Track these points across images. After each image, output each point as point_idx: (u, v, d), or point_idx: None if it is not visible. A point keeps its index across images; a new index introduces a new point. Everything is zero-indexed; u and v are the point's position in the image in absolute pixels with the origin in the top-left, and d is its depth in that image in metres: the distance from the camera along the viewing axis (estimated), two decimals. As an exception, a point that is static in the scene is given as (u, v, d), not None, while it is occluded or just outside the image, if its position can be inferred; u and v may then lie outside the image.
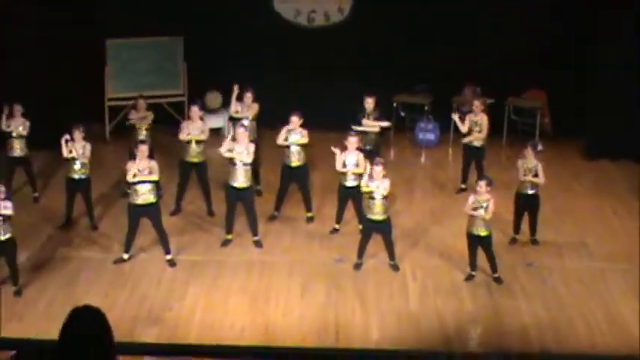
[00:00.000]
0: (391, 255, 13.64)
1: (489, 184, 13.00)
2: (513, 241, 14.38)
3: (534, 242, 14.38)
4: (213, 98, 18.76)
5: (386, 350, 10.42)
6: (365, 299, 12.86)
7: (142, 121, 15.50)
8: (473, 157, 15.87)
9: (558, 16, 17.96)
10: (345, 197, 14.44)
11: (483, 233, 13.03)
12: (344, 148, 14.11)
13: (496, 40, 18.16)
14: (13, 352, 4.80)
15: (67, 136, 14.22)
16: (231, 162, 13.90)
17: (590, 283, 13.26)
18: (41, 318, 12.10)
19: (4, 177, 14.93)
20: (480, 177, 13.76)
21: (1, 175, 15.00)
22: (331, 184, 15.14)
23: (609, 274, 13.48)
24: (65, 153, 14.26)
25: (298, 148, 14.71)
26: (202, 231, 14.87)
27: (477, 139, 15.66)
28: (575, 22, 17.86)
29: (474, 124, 15.61)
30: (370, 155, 14.48)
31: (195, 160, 15.01)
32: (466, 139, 15.76)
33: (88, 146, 14.38)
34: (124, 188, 14.70)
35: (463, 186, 16.02)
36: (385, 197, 13.28)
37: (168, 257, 13.74)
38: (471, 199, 13.01)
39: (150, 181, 13.37)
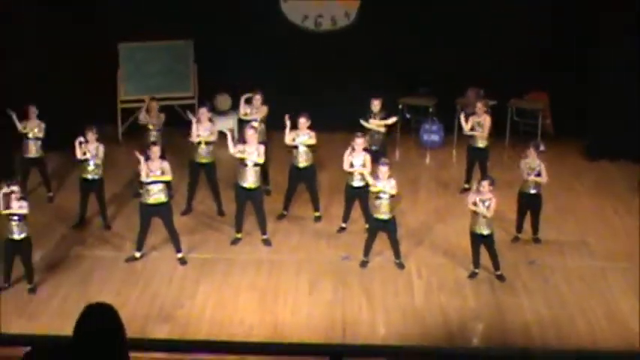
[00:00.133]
0: (397, 253, 13.80)
1: (492, 183, 13.17)
2: (516, 239, 14.51)
3: (536, 241, 14.52)
4: (223, 100, 18.85)
5: (392, 346, 10.57)
6: (371, 296, 13.00)
7: (153, 120, 15.66)
8: (477, 157, 15.97)
9: (560, 18, 17.97)
10: (352, 197, 14.59)
11: (486, 232, 13.18)
12: (352, 149, 14.33)
13: (498, 42, 18.22)
14: (28, 349, 4.71)
15: (81, 138, 14.42)
16: (241, 162, 14.09)
17: (591, 281, 13.38)
18: (55, 315, 12.21)
19: (20, 177, 15.14)
20: (484, 177, 13.90)
21: (17, 176, 15.22)
22: (338, 184, 15.27)
23: (610, 273, 13.59)
24: (79, 154, 14.41)
25: (306, 149, 14.83)
26: (212, 230, 14.99)
27: (479, 138, 15.81)
28: (576, 23, 17.87)
29: (477, 125, 15.72)
30: (377, 155, 14.66)
31: (204, 160, 15.14)
32: (469, 133, 15.89)
33: (102, 147, 14.51)
34: (137, 188, 14.87)
35: (467, 186, 16.06)
36: (392, 197, 13.49)
37: (179, 256, 13.88)
38: (473, 196, 13.22)
39: (162, 181, 13.58)
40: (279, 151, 15.88)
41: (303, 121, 14.73)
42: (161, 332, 11.90)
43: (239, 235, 14.53)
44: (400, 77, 18.49)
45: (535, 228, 14.52)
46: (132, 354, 4.69)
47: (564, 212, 15.62)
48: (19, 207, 12.58)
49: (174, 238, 13.88)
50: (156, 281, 13.37)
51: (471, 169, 16.05)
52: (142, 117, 15.80)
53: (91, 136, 14.43)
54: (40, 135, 15.28)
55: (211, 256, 14.15)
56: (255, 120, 15.40)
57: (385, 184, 13.37)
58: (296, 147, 14.87)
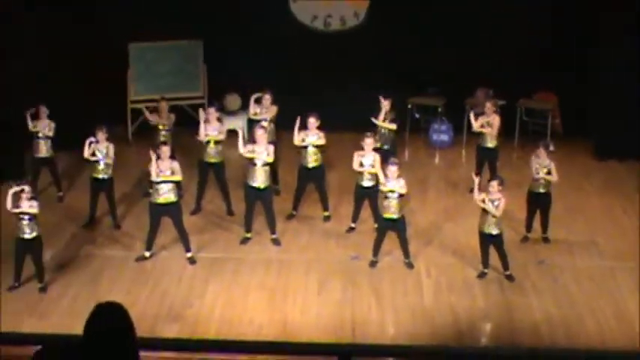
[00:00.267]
0: (406, 253, 13.83)
1: (501, 183, 13.20)
2: (525, 239, 14.53)
3: (546, 240, 14.53)
4: (233, 100, 18.89)
5: (401, 345, 10.59)
6: (380, 296, 13.03)
7: (163, 120, 15.70)
8: (486, 157, 15.96)
9: (567, 19, 18.02)
10: (361, 197, 14.61)
11: (495, 232, 13.20)
12: (361, 149, 14.36)
13: (508, 42, 18.20)
14: (39, 348, 4.70)
15: (92, 138, 14.48)
16: (251, 162, 14.13)
17: (600, 281, 13.38)
18: (65, 314, 12.27)
19: (30, 177, 15.22)
20: (493, 177, 13.91)
21: (27, 176, 15.30)
22: (347, 184, 15.30)
23: (619, 272, 13.59)
24: (86, 154, 14.46)
25: (315, 149, 14.86)
26: (222, 229, 15.03)
27: (488, 137, 15.80)
28: (582, 24, 17.91)
29: (486, 124, 15.72)
30: (387, 154, 14.69)
31: (213, 160, 15.17)
32: (478, 131, 15.90)
33: (112, 147, 14.56)
34: (146, 188, 14.92)
35: (477, 179, 16.10)
36: (401, 196, 13.51)
37: (189, 255, 13.93)
38: (481, 195, 13.23)
39: (172, 181, 13.62)
40: (288, 151, 15.91)
41: (312, 121, 14.75)
42: (170, 331, 11.95)
43: (248, 235, 14.57)
44: (409, 77, 18.49)
45: (544, 227, 14.53)
46: (141, 353, 4.68)
47: (573, 212, 15.62)
48: (29, 206, 12.65)
49: (183, 238, 13.92)
50: (165, 280, 13.42)
51: (480, 169, 16.03)
52: (152, 118, 15.82)
53: (101, 135, 14.49)
54: (50, 134, 15.36)
55: (221, 255, 14.19)
56: (265, 120, 15.44)
57: (394, 184, 13.40)
58: (305, 147, 14.89)
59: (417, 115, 19.22)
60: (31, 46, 16.78)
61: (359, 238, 14.66)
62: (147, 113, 15.92)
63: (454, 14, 18.19)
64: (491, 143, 15.86)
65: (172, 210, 13.75)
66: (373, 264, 13.87)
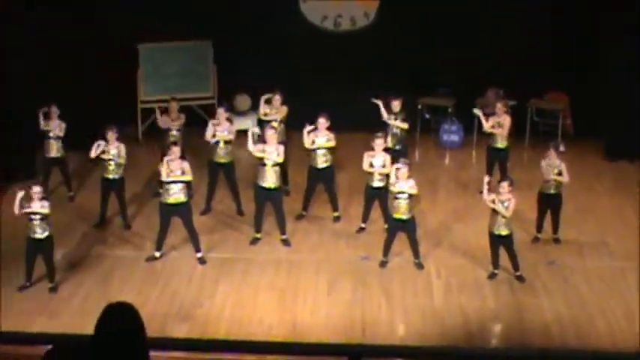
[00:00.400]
0: (416, 253, 13.82)
1: (511, 184, 13.19)
2: (536, 239, 14.52)
3: (556, 241, 14.51)
4: (242, 101, 18.91)
5: (411, 346, 10.59)
6: (390, 296, 13.02)
7: (172, 123, 15.72)
8: (496, 158, 15.92)
9: (579, 18, 17.99)
10: (371, 197, 14.59)
11: (504, 232, 13.19)
12: (371, 149, 14.36)
13: (519, 42, 18.16)
14: (49, 347, 4.73)
15: (102, 142, 14.50)
16: (261, 162, 14.15)
17: (610, 282, 13.36)
18: (76, 314, 12.30)
19: (41, 177, 15.27)
20: (503, 178, 13.90)
21: (39, 176, 15.34)
22: (357, 184, 15.30)
23: (629, 273, 13.54)
24: (93, 154, 14.51)
25: (325, 150, 14.86)
26: (232, 230, 15.04)
27: (499, 138, 15.78)
28: (594, 24, 17.85)
29: (497, 125, 15.71)
30: (397, 155, 14.69)
31: (223, 160, 15.20)
32: (489, 131, 15.88)
33: (123, 147, 14.60)
34: (156, 188, 14.93)
35: (488, 178, 16.07)
36: (411, 197, 13.51)
37: (199, 255, 13.94)
38: (491, 196, 13.22)
39: (182, 181, 13.65)
40: (298, 152, 15.90)
41: (322, 122, 14.74)
42: (180, 331, 11.98)
43: (258, 235, 14.58)
44: (419, 77, 18.48)
45: (555, 228, 14.51)
46: (152, 353, 4.70)
47: (584, 212, 15.59)
48: (40, 207, 12.69)
49: (193, 238, 13.94)
50: (175, 280, 13.44)
51: (490, 169, 16.01)
52: (161, 122, 15.82)
53: (112, 135, 14.52)
54: (61, 134, 15.40)
55: (230, 255, 14.21)
56: (275, 120, 15.45)
57: (404, 185, 13.39)
58: (315, 148, 14.88)
59: (428, 116, 19.21)
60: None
61: (369, 239, 14.66)
62: (158, 116, 15.91)
63: (464, 14, 18.17)
64: (501, 144, 15.83)
65: (182, 210, 13.77)
66: (383, 264, 13.86)
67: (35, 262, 12.99)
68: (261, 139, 14.57)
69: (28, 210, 12.64)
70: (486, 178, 13.71)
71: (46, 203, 12.76)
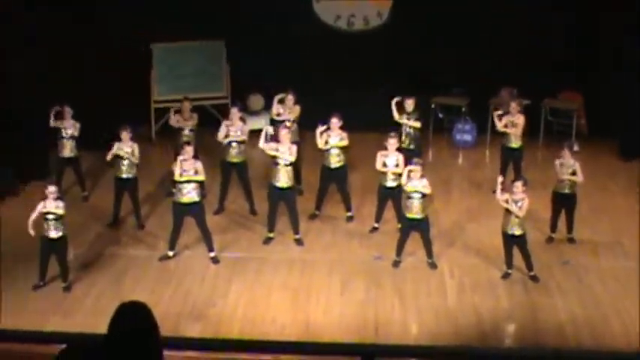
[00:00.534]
0: (429, 253, 13.81)
1: (525, 184, 13.16)
2: (550, 239, 14.48)
3: (571, 241, 14.48)
4: (256, 100, 18.94)
5: (424, 346, 10.56)
6: (403, 296, 13.01)
7: (185, 123, 15.74)
8: (510, 157, 15.90)
9: (594, 18, 17.93)
10: (384, 197, 14.59)
11: (518, 232, 13.15)
12: (384, 149, 14.35)
13: (533, 42, 18.16)
14: (63, 346, 4.71)
15: (117, 143, 14.52)
16: (274, 162, 14.15)
17: (625, 282, 13.29)
18: (89, 313, 12.32)
19: (55, 177, 15.29)
20: (517, 177, 13.86)
21: (52, 175, 15.36)
22: (370, 184, 15.28)
23: (644, 273, 13.53)
24: (109, 157, 14.55)
25: (338, 150, 14.85)
26: (245, 229, 15.05)
27: (513, 138, 15.74)
28: (609, 23, 17.78)
29: (511, 124, 15.69)
30: (411, 154, 14.67)
31: (236, 160, 15.22)
32: (502, 130, 15.84)
33: (136, 147, 14.64)
34: (170, 188, 14.95)
35: (502, 178, 16.05)
36: (424, 196, 13.49)
37: (212, 255, 13.96)
38: (505, 195, 13.19)
39: (195, 181, 13.66)
40: (311, 151, 15.89)
41: (335, 122, 14.73)
42: (193, 331, 12.00)
43: (271, 235, 14.58)
44: (433, 77, 18.46)
45: (569, 228, 14.49)
46: (165, 352, 4.69)
47: (598, 212, 15.55)
48: (55, 207, 12.71)
49: (206, 237, 13.95)
50: (188, 280, 13.45)
51: (504, 169, 15.98)
52: (174, 122, 15.84)
53: (125, 135, 14.57)
54: (75, 134, 15.42)
55: (243, 255, 14.21)
56: (289, 120, 15.45)
57: (418, 184, 13.37)
58: (328, 148, 14.87)
59: (441, 115, 19.20)
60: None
61: (382, 239, 14.65)
62: (172, 116, 15.92)
63: (478, 14, 18.15)
64: (515, 143, 15.80)
65: (195, 210, 13.78)
66: (396, 264, 13.84)
67: (49, 261, 13.00)
68: (273, 138, 14.57)
69: (43, 210, 12.67)
70: (500, 178, 13.69)
71: (60, 203, 12.79)
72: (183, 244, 14.25)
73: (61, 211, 12.71)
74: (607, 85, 17.93)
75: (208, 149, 16.38)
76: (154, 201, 15.95)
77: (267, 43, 18.52)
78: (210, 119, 17.68)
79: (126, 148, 14.55)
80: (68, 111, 15.35)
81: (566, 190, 14.19)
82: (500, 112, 16.11)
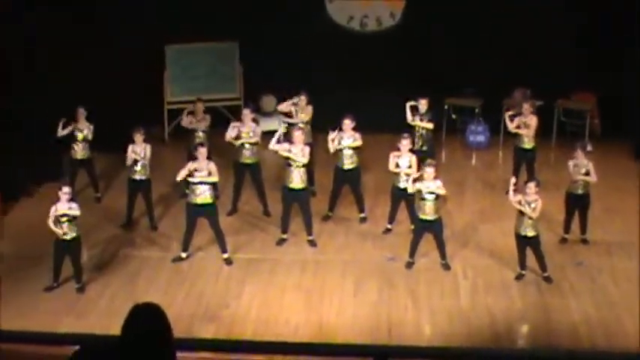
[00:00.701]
0: (442, 254, 13.79)
1: (538, 185, 13.15)
2: (563, 240, 14.46)
3: (584, 241, 14.45)
4: (268, 101, 18.95)
5: (437, 347, 10.56)
6: (417, 297, 13.00)
7: (198, 124, 15.77)
8: (523, 158, 15.87)
9: (605, 18, 17.85)
10: (397, 198, 14.56)
11: (531, 234, 13.13)
12: (397, 150, 14.35)
13: (546, 42, 18.10)
14: (77, 348, 4.72)
15: (133, 146, 14.58)
16: (287, 164, 14.14)
17: (638, 282, 13.15)
18: (103, 314, 12.35)
19: (68, 178, 15.30)
20: (530, 178, 13.84)
21: (65, 177, 15.38)
22: (384, 185, 15.29)
23: (658, 274, 13.49)
24: (129, 161, 14.63)
25: (351, 151, 14.84)
26: (258, 230, 15.06)
27: (525, 138, 15.73)
28: (621, 23, 17.73)
29: (523, 125, 15.67)
30: (425, 156, 14.67)
31: (249, 161, 15.23)
32: (514, 131, 15.83)
33: (149, 148, 14.69)
34: (183, 189, 14.97)
35: (514, 179, 16.02)
36: (437, 197, 13.49)
37: (225, 256, 13.97)
38: (517, 197, 13.17)
39: (208, 182, 13.69)
40: (324, 153, 15.89)
41: (347, 123, 14.73)
42: (207, 332, 12.00)
43: (284, 236, 14.59)
44: (446, 78, 18.43)
45: (583, 228, 14.46)
46: (178, 354, 4.70)
47: (612, 213, 15.50)
48: (68, 208, 12.75)
49: (219, 239, 13.96)
50: (202, 281, 13.48)
51: (517, 170, 15.95)
52: (186, 122, 15.86)
53: (139, 137, 14.62)
54: (89, 136, 15.46)
55: (257, 256, 14.23)
56: (302, 122, 15.46)
57: (431, 185, 13.36)
58: (341, 149, 14.87)
59: (454, 116, 19.16)
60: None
61: (395, 240, 14.65)
62: (184, 118, 15.94)
63: (491, 14, 18.09)
64: (528, 144, 15.78)
65: (209, 211, 13.80)
66: (409, 265, 13.84)
67: (63, 262, 13.04)
68: (286, 139, 14.56)
69: (57, 213, 12.69)
70: (512, 180, 13.66)
71: (74, 204, 12.84)
72: (197, 246, 14.26)
73: (75, 212, 12.73)
74: (620, 86, 17.88)
75: (221, 150, 16.38)
76: (167, 202, 15.97)
77: (280, 45, 18.52)
78: (223, 120, 17.68)
79: (139, 149, 14.58)
80: (82, 112, 15.39)
81: (580, 191, 14.17)
82: (512, 113, 16.11)
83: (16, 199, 15.92)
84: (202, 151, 13.77)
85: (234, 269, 13.83)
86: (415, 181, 13.50)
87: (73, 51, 16.80)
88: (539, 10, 17.94)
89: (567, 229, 14.50)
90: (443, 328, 12.29)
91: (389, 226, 14.95)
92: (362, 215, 15.38)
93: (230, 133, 15.15)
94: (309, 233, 14.55)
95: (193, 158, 13.97)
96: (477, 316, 12.56)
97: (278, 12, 18.46)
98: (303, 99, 15.64)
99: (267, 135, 15.57)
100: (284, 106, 15.87)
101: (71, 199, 12.84)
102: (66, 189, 12.82)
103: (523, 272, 13.43)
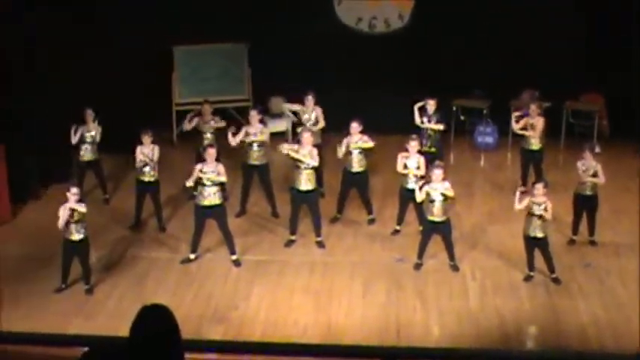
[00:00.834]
0: (451, 255, 13.77)
1: (546, 186, 13.14)
2: (572, 242, 14.43)
3: (592, 243, 14.42)
4: (277, 103, 18.96)
5: (446, 348, 10.57)
6: (425, 299, 12.98)
7: (204, 125, 15.78)
8: (531, 160, 15.89)
9: (613, 19, 17.83)
10: (406, 199, 14.53)
11: (539, 235, 13.11)
12: (406, 151, 14.35)
13: (554, 43, 18.10)
14: (86, 349, 4.72)
15: (139, 148, 14.60)
16: (295, 165, 14.15)
17: (646, 284, 13.31)
18: (111, 315, 12.35)
19: (76, 180, 15.33)
20: (538, 180, 13.83)
21: (73, 178, 15.41)
22: (392, 186, 15.30)
23: (666, 275, 13.47)
24: (138, 164, 14.65)
25: (360, 155, 14.83)
26: (266, 232, 15.06)
27: (532, 140, 15.72)
28: (629, 24, 17.69)
29: (530, 126, 15.68)
30: (433, 157, 14.67)
31: (257, 162, 15.24)
32: (519, 132, 15.82)
33: (157, 149, 14.71)
34: (192, 191, 15.00)
35: (522, 188, 16.02)
36: (445, 199, 13.48)
37: (234, 257, 13.96)
38: (522, 205, 13.14)
39: (217, 184, 13.69)
40: (333, 155, 15.88)
41: (355, 126, 14.73)
42: (215, 333, 11.98)
43: (293, 237, 14.59)
44: (454, 79, 18.42)
45: (591, 230, 14.43)
46: (187, 355, 4.71)
47: (620, 214, 15.47)
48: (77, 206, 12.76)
49: (228, 240, 13.96)
50: (210, 282, 13.47)
51: (525, 171, 15.93)
52: (188, 126, 15.86)
53: (147, 138, 14.63)
54: (97, 138, 15.50)
55: (265, 257, 14.23)
56: (312, 122, 15.48)
57: (440, 186, 13.36)
58: (350, 152, 14.86)
59: (462, 117, 19.16)
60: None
61: (404, 241, 14.64)
62: (186, 122, 15.93)
63: (499, 15, 18.10)
64: (535, 145, 15.78)
65: (217, 212, 13.81)
66: (418, 267, 13.83)
67: (72, 264, 13.06)
68: (296, 140, 14.57)
69: (67, 210, 12.69)
70: (520, 188, 13.62)
71: (82, 205, 12.84)
72: (205, 247, 14.27)
73: (82, 209, 12.73)
74: (628, 87, 17.83)
75: (230, 152, 16.40)
76: (175, 203, 15.98)
77: (289, 46, 18.53)
78: (232, 122, 17.68)
79: (147, 151, 14.60)
80: (90, 114, 15.42)
81: (588, 192, 14.15)
82: (518, 114, 16.09)
83: (25, 202, 15.95)
84: (211, 153, 13.78)
85: (243, 271, 13.83)
86: (421, 188, 13.48)
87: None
88: (547, 11, 17.92)
89: (575, 230, 14.48)
90: (451, 329, 12.26)
91: (397, 228, 14.94)
92: (370, 217, 15.37)
93: (240, 135, 15.08)
94: (318, 235, 14.55)
95: (202, 160, 13.99)
96: (485, 317, 12.53)
97: (287, 13, 18.48)
98: (310, 99, 15.65)
99: (275, 136, 15.58)
100: (293, 106, 15.87)
101: (80, 201, 12.85)
102: (74, 190, 12.82)
103: (532, 274, 13.41)
